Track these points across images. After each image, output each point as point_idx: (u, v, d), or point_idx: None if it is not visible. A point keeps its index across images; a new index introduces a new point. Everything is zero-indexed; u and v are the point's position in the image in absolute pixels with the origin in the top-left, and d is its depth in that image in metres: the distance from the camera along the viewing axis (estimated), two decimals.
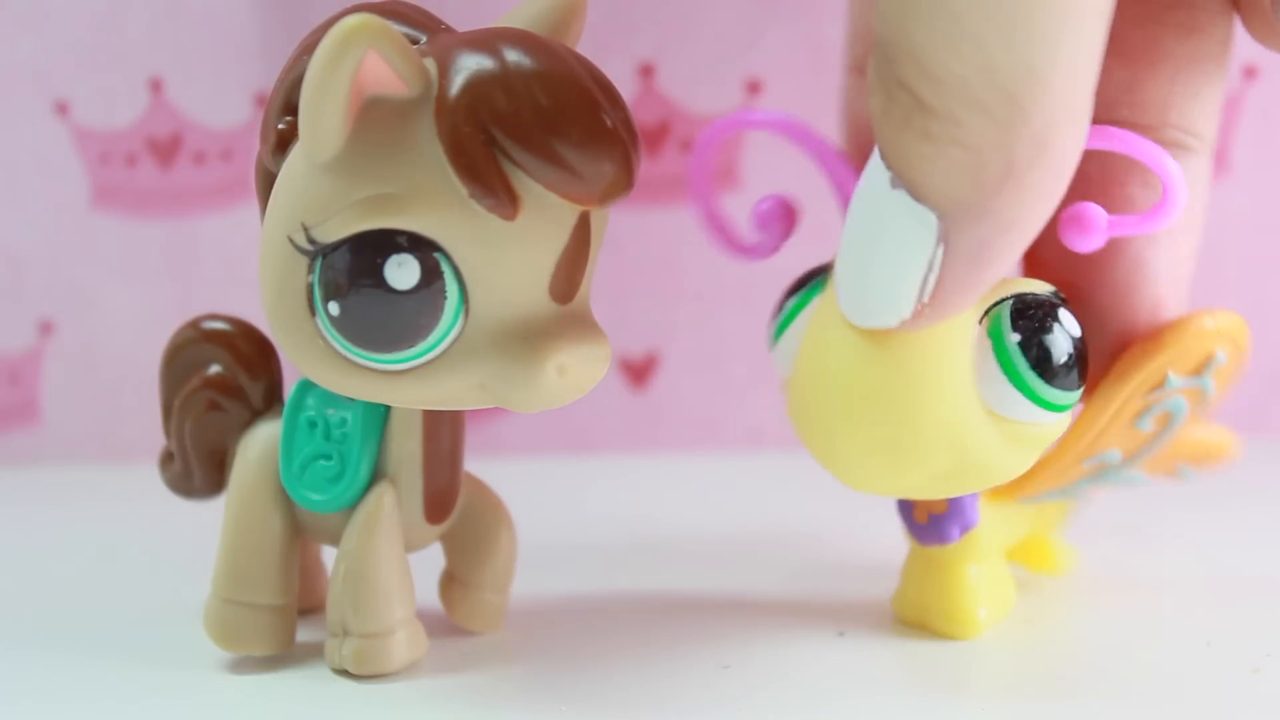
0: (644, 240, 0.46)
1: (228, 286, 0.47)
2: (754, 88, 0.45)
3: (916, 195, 0.19)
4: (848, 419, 0.22)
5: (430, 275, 0.21)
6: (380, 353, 0.22)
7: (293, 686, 0.24)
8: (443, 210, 0.21)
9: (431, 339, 0.21)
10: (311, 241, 0.21)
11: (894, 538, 0.29)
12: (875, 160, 0.19)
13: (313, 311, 0.22)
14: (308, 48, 0.22)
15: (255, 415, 0.26)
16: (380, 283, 0.21)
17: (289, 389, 0.25)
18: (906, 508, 0.27)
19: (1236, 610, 0.27)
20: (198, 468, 0.27)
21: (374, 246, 0.21)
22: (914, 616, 0.27)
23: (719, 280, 0.46)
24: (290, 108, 0.22)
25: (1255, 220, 0.44)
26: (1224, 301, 0.44)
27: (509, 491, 0.27)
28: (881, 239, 0.19)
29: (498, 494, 0.27)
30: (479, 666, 0.25)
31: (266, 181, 0.23)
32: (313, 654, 0.26)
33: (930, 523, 0.26)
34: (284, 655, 0.26)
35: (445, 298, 0.21)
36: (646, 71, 0.45)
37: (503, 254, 0.21)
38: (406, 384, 0.22)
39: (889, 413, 0.22)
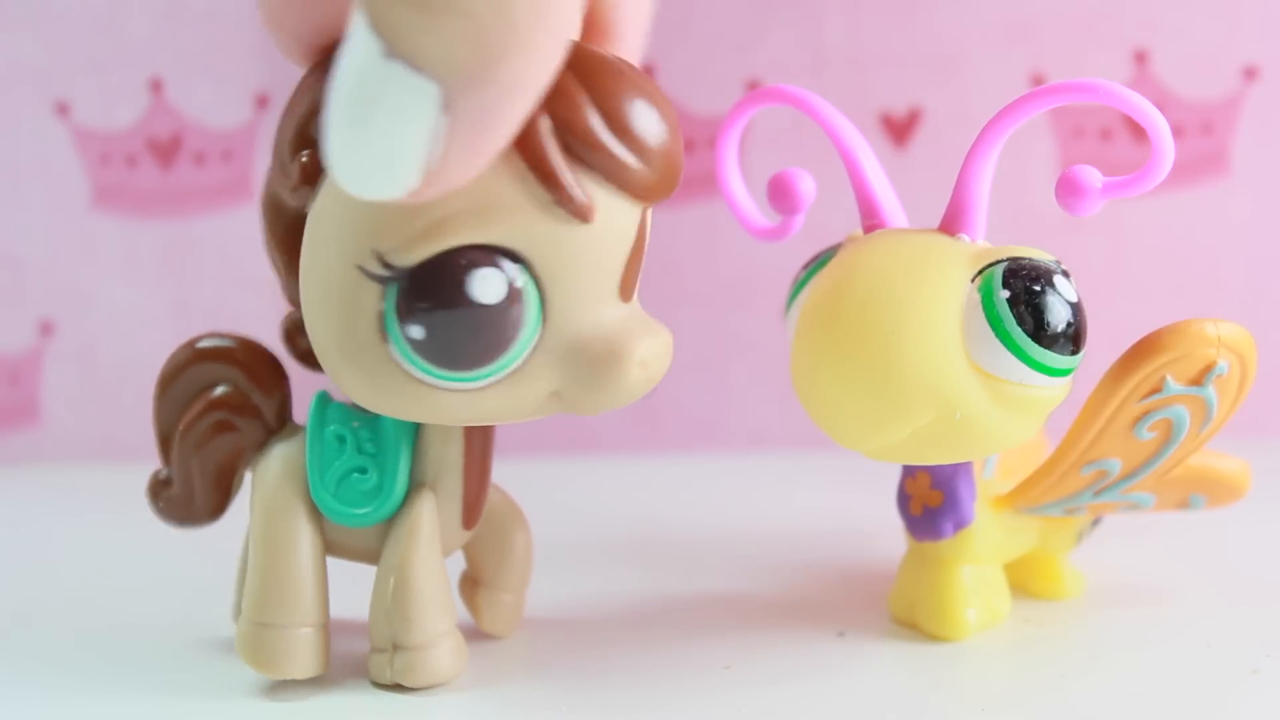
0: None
1: (228, 286, 0.47)
2: (754, 88, 0.45)
3: (416, 66, 0.18)
4: (831, 364, 0.23)
5: (513, 286, 0.21)
6: (465, 370, 0.21)
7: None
8: (521, 219, 0.21)
9: (515, 350, 0.21)
10: (388, 267, 0.21)
11: (894, 538, 0.29)
12: (362, 32, 0.19)
13: (384, 338, 0.21)
14: (316, 73, 0.22)
15: (270, 433, 0.25)
16: (466, 299, 0.21)
17: (296, 403, 0.25)
18: (904, 500, 0.27)
19: (1236, 611, 0.27)
20: (201, 492, 0.26)
21: (456, 263, 0.21)
22: (906, 615, 0.27)
23: (719, 281, 0.46)
24: (306, 140, 0.22)
25: (1255, 220, 0.44)
26: (1224, 301, 0.45)
27: (509, 491, 0.27)
28: (378, 112, 0.19)
29: (511, 495, 0.27)
30: (475, 667, 0.25)
31: (279, 214, 0.23)
32: (349, 672, 0.25)
33: (925, 515, 0.26)
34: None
35: (526, 306, 0.21)
36: (646, 72, 0.45)
37: (580, 256, 0.21)
38: (487, 400, 0.22)
39: (871, 359, 0.22)
